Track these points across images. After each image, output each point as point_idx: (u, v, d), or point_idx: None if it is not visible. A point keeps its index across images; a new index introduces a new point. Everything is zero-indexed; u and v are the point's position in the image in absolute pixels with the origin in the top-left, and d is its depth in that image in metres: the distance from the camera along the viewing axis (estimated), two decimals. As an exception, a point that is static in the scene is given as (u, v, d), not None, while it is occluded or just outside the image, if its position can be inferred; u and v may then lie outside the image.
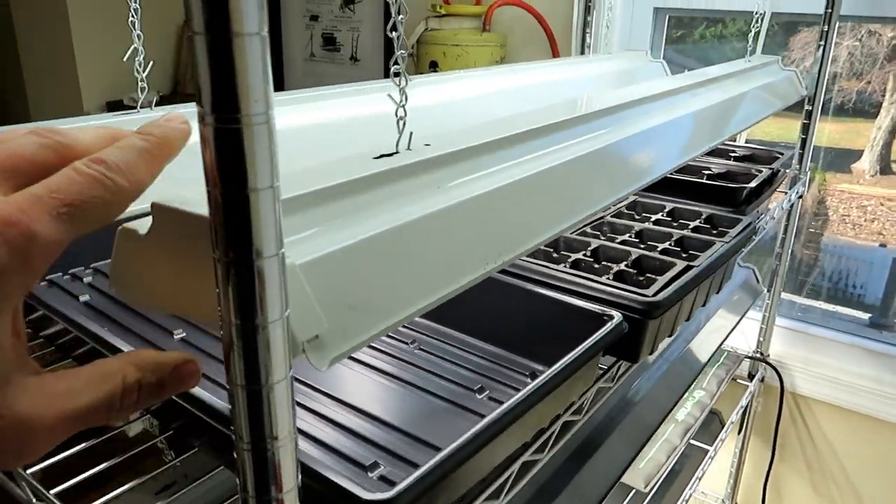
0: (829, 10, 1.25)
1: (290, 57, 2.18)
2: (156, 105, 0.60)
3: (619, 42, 1.59)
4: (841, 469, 1.55)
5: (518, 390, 0.47)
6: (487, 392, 0.58)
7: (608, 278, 0.65)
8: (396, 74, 0.40)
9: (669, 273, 0.65)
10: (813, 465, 1.59)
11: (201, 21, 0.23)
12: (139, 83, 0.58)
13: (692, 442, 1.21)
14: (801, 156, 1.36)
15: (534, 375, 0.60)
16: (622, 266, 0.67)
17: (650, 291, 0.60)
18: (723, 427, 1.36)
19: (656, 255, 0.69)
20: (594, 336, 0.53)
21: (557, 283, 0.62)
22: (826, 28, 1.26)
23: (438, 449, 0.41)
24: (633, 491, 0.99)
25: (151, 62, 0.58)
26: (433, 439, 0.51)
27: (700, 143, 0.75)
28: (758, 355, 1.51)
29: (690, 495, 1.12)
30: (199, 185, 0.27)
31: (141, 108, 0.59)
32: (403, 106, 0.41)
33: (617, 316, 0.57)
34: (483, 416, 0.44)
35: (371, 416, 0.55)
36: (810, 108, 1.32)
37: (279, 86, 2.18)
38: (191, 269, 0.34)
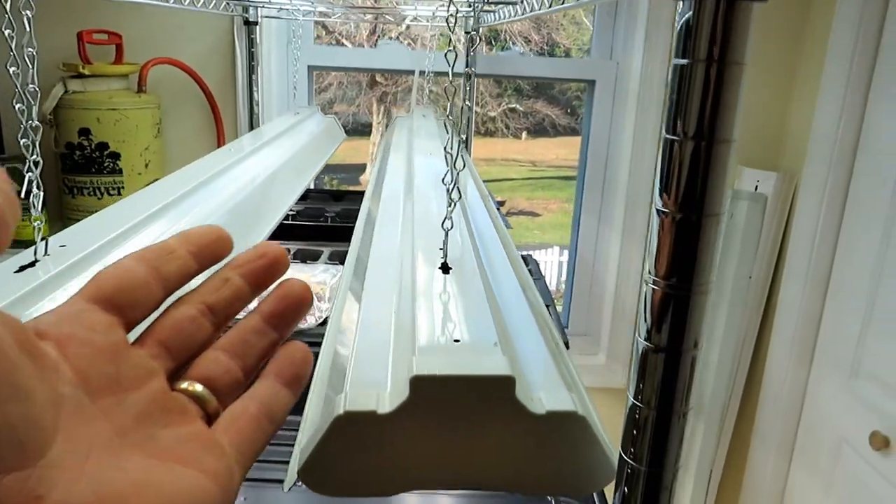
0: (467, 69, 1.52)
1: None
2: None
3: (278, 96, 1.63)
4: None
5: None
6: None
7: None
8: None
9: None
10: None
11: (676, 201, 0.26)
12: (35, 226, 0.44)
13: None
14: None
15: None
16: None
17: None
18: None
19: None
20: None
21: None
22: (466, 84, 1.53)
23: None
24: None
25: (42, 194, 0.45)
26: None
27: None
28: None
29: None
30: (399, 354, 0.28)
31: (36, 255, 0.44)
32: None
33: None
34: None
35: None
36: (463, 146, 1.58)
37: None
38: (472, 433, 0.33)
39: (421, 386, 0.32)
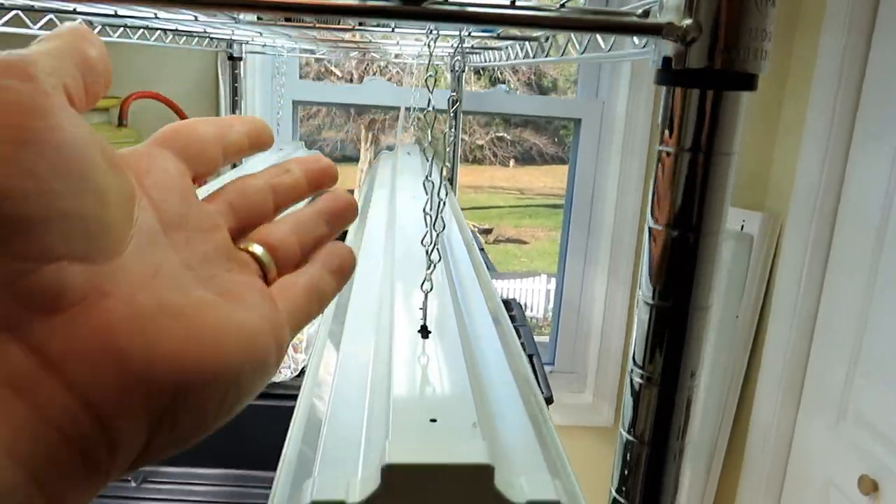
0: (454, 108, 1.52)
1: None
2: None
3: (262, 132, 1.61)
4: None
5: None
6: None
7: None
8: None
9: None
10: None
11: (670, 217, 0.24)
12: None
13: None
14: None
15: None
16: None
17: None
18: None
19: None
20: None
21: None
22: (454, 119, 1.52)
23: None
24: None
25: None
26: None
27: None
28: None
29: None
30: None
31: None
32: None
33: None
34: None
35: None
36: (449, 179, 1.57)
37: None
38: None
39: (393, 475, 0.30)
